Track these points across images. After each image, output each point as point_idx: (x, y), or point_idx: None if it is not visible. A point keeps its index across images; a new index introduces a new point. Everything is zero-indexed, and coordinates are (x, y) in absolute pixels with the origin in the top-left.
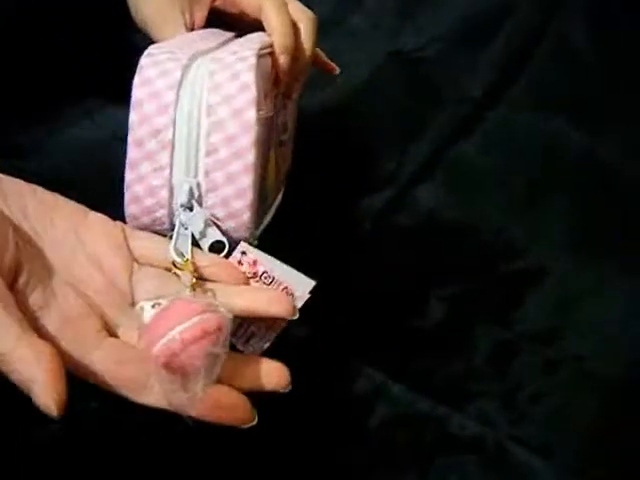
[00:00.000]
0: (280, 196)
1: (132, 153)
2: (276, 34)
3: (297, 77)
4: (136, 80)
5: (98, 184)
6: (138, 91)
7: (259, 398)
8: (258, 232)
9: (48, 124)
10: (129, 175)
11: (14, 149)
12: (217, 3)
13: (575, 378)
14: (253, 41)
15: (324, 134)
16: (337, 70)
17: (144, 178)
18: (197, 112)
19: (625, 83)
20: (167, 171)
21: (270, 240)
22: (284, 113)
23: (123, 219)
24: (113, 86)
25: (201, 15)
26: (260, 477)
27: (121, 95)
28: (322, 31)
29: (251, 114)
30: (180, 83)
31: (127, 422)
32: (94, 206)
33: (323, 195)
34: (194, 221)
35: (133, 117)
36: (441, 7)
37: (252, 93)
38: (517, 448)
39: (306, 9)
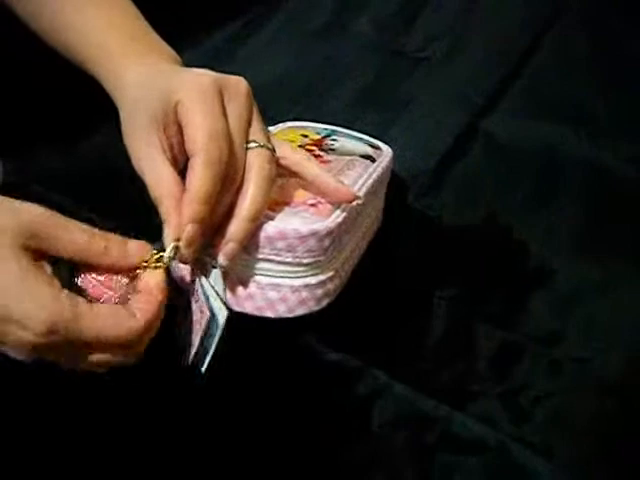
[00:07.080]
0: None
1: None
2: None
3: None
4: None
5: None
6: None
7: (260, 398)
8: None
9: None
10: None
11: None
12: None
13: (578, 379)
14: None
15: None
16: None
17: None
18: None
19: (623, 89)
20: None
21: None
22: None
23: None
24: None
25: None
26: (261, 476)
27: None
28: (324, 35)
29: None
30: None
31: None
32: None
33: None
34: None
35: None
36: (441, 10)
37: None
38: (519, 449)
39: None
